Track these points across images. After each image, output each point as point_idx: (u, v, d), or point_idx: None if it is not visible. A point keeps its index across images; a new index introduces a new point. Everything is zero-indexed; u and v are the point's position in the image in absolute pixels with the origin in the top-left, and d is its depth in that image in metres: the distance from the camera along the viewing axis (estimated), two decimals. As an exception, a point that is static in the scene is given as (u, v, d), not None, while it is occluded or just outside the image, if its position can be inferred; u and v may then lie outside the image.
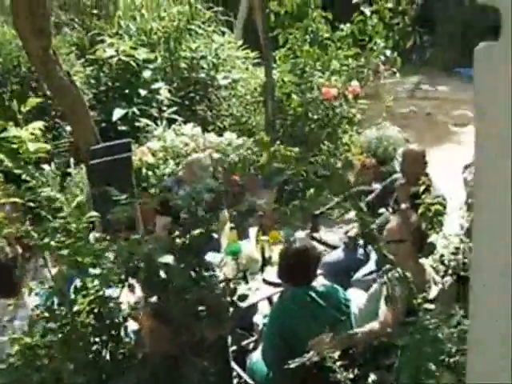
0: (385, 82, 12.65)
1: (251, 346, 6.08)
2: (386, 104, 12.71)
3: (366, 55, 10.83)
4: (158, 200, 5.36)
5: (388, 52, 10.72)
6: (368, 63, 11.03)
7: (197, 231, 3.58)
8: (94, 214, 3.79)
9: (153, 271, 3.37)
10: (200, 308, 3.45)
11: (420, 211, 5.96)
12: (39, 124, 6.00)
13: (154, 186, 8.61)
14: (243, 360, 5.56)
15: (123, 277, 3.51)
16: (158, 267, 3.36)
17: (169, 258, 3.37)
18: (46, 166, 5.17)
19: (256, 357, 5.34)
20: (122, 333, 3.60)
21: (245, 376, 5.29)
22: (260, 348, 5.38)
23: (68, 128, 9.56)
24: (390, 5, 10.26)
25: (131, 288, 3.50)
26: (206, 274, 3.56)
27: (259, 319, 6.32)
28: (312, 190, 4.11)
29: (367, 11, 10.28)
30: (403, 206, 6.66)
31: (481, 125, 1.22)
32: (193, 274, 3.48)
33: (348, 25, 10.53)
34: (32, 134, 5.67)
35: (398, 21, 10.34)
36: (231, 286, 3.81)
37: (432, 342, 3.70)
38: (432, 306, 4.30)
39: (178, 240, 3.61)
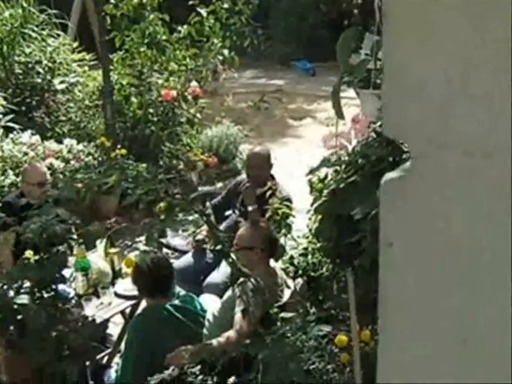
0: (223, 80, 12.73)
1: (105, 359, 5.99)
2: (225, 102, 12.82)
3: (204, 55, 10.85)
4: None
5: (226, 52, 10.78)
6: (206, 63, 11.06)
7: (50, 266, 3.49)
8: None
9: (9, 312, 3.26)
10: (60, 347, 3.38)
11: (268, 215, 6.05)
12: None
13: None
14: (98, 375, 5.47)
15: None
16: (14, 309, 3.26)
17: (24, 299, 3.27)
18: None
19: (115, 373, 5.27)
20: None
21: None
22: (118, 365, 5.33)
23: None
24: (226, 5, 10.31)
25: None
26: (63, 307, 3.49)
27: (113, 330, 6.25)
28: (162, 206, 4.05)
29: (204, 12, 10.30)
30: (250, 208, 6.72)
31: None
32: (51, 310, 3.40)
33: (185, 26, 10.49)
34: None
35: (234, 21, 10.41)
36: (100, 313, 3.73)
37: (293, 355, 3.76)
38: (289, 315, 4.37)
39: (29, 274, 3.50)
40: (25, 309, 3.30)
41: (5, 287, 3.55)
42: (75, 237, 4.09)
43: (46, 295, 3.53)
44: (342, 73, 5.69)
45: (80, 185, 4.06)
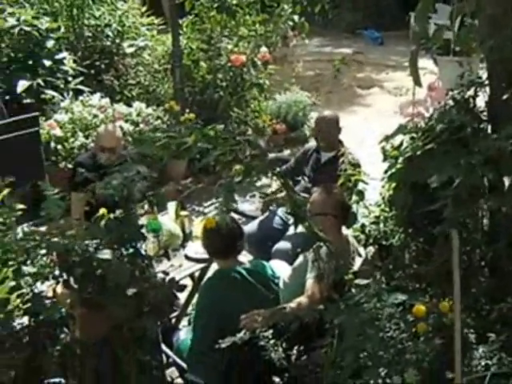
0: (292, 47, 12.65)
1: (173, 321, 6.01)
2: (296, 68, 12.76)
3: (274, 21, 10.77)
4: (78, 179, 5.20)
5: (296, 17, 10.68)
6: (276, 29, 10.97)
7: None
8: (22, 206, 3.66)
9: (90, 267, 3.26)
10: (141, 303, 3.37)
11: (340, 181, 5.99)
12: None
13: (65, 160, 8.43)
14: (168, 337, 5.47)
15: (57, 273, 3.40)
16: (95, 264, 3.25)
17: (106, 254, 3.26)
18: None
19: (183, 335, 5.27)
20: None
21: (172, 355, 5.21)
22: (188, 327, 5.33)
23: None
24: (297, -30, 10.21)
25: (66, 284, 3.39)
26: (143, 264, 3.48)
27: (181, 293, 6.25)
28: (238, 169, 3.99)
29: (275, -23, 10.22)
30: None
31: None
32: (131, 267, 3.39)
33: (256, -10, 10.44)
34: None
35: (306, -14, 10.30)
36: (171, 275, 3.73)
37: (370, 321, 3.71)
38: (363, 282, 4.31)
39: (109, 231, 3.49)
40: (107, 264, 3.29)
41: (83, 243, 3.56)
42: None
43: (125, 252, 3.52)
44: (420, 39, 5.58)
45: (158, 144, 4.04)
